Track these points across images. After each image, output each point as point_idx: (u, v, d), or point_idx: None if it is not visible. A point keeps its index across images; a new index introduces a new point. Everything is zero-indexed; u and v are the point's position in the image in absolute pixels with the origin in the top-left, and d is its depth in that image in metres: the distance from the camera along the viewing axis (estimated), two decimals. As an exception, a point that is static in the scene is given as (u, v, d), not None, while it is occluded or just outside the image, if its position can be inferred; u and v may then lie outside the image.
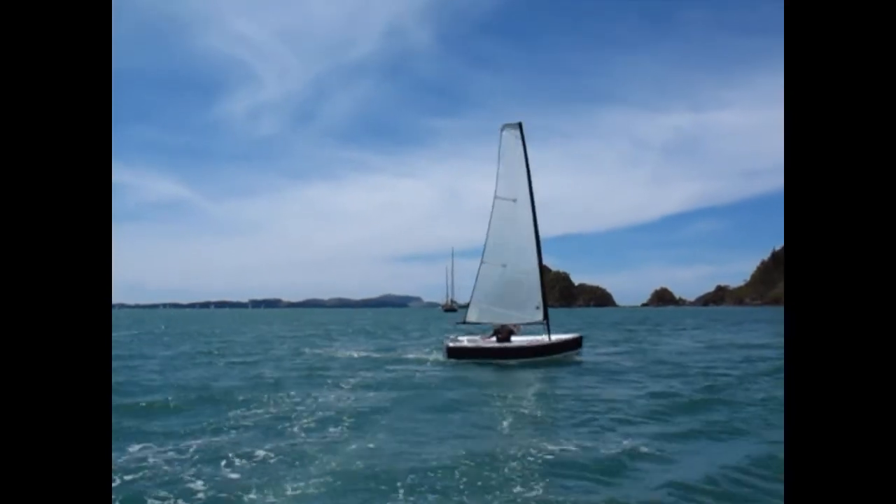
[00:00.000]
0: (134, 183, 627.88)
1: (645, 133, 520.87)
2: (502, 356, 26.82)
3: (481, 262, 28.88)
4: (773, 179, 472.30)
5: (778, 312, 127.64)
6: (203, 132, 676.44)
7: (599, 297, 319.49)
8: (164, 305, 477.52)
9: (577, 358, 27.71)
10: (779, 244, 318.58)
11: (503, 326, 27.98)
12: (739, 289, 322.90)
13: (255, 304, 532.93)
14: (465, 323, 29.32)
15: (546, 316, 28.02)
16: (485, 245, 28.78)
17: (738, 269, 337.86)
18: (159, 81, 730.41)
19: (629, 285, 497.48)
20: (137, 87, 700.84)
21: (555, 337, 28.25)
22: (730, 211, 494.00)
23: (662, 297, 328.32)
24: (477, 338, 28.50)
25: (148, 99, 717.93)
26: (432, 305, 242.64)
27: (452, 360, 26.94)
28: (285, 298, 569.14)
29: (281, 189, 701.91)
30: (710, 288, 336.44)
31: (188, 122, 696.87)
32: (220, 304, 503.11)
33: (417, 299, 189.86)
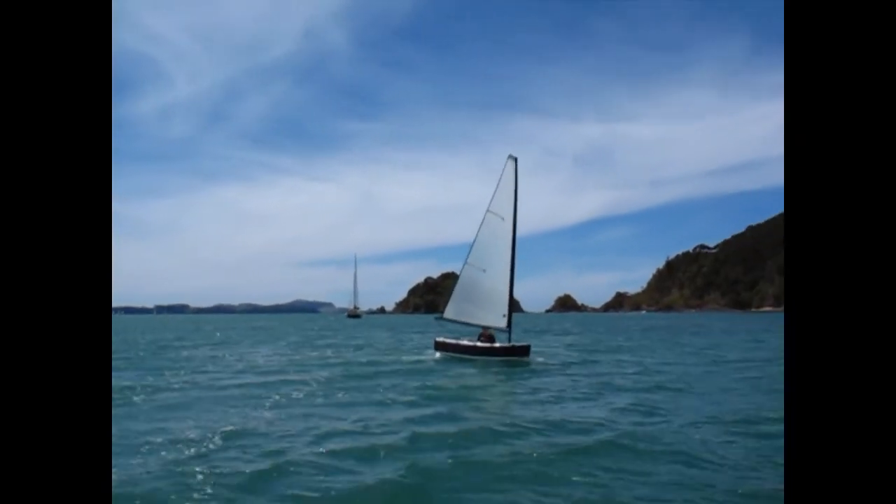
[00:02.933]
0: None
1: (558, 142, 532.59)
2: (476, 354, 30.27)
3: (465, 264, 31.52)
4: (678, 189, 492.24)
5: (657, 319, 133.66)
6: (112, 131, 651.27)
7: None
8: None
9: (528, 359, 30.44)
10: (672, 252, 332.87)
11: (486, 329, 31.08)
12: (636, 295, 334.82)
13: (161, 309, 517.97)
14: (442, 318, 32.47)
15: (509, 324, 31.18)
16: (470, 249, 31.70)
17: (642, 276, 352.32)
18: None
19: (538, 292, 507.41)
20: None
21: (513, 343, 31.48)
22: (637, 219, 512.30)
23: (565, 304, 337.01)
24: (465, 340, 31.40)
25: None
26: (343, 311, 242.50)
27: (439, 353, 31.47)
28: (193, 304, 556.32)
29: (191, 191, 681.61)
30: (614, 294, 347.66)
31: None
32: (127, 310, 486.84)
33: (329, 305, 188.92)
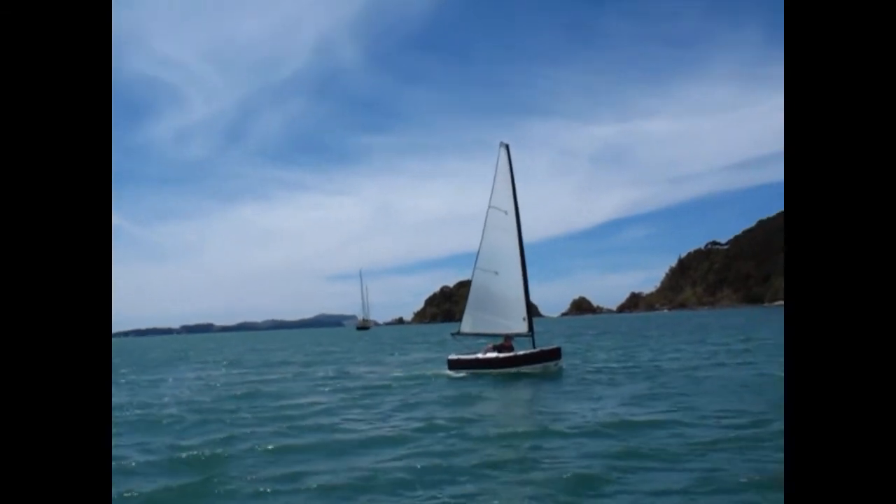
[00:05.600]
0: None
1: (574, 143, 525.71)
2: (500, 366, 26.62)
3: (475, 269, 28.26)
4: (698, 185, 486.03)
5: (670, 318, 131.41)
6: (130, 156, 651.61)
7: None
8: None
9: (560, 364, 27.48)
10: (683, 250, 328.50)
11: (507, 339, 27.66)
12: (650, 295, 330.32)
13: (188, 329, 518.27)
14: (459, 334, 28.36)
15: (531, 327, 27.57)
16: (478, 252, 28.27)
17: (660, 275, 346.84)
18: None
19: (555, 296, 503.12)
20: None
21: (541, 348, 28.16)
22: (655, 218, 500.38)
23: (581, 307, 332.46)
24: (480, 353, 27.75)
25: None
26: (374, 324, 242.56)
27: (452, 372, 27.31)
28: (218, 322, 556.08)
29: (211, 211, 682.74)
30: (628, 295, 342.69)
31: (114, 147, 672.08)
32: (153, 331, 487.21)
33: (353, 317, 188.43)
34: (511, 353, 26.91)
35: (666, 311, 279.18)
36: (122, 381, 33.41)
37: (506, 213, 28.40)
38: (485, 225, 28.48)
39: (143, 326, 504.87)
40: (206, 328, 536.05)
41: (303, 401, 21.11)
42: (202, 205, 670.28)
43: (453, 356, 28.40)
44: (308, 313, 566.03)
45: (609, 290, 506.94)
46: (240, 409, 19.31)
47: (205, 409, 19.92)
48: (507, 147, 29.01)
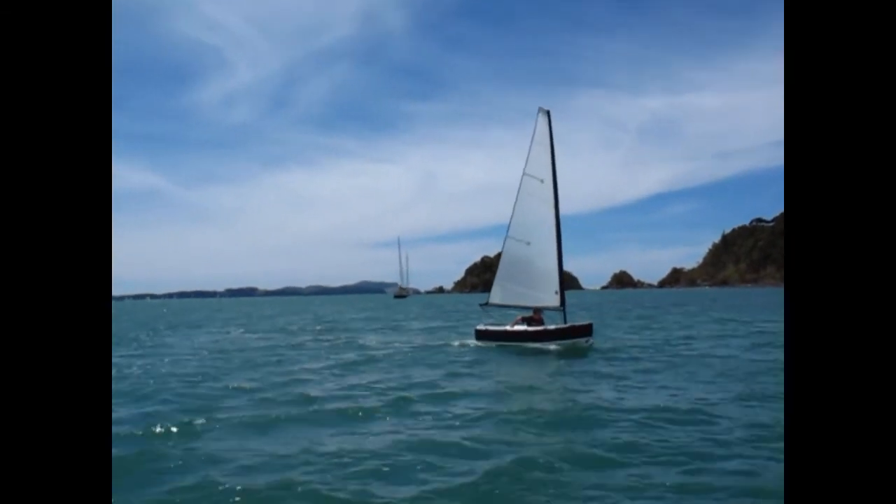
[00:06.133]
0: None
1: (620, 115, 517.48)
2: (527, 340, 25.53)
3: (506, 238, 27.13)
4: (745, 161, 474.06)
5: (714, 294, 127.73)
6: (175, 119, 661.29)
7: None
8: (131, 297, 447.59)
9: (592, 341, 26.16)
10: (728, 226, 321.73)
11: (536, 311, 26.40)
12: (692, 271, 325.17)
13: (231, 293, 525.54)
14: (487, 305, 27.42)
15: (563, 302, 26.42)
16: (510, 221, 27.08)
17: (704, 251, 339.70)
18: (129, 69, 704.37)
19: (597, 268, 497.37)
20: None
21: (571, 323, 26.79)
22: (702, 193, 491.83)
23: (622, 281, 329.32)
24: (508, 325, 26.73)
25: (118, 87, 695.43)
26: (414, 292, 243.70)
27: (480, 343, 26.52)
28: (261, 287, 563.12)
29: (256, 176, 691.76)
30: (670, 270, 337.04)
31: (160, 110, 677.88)
32: (198, 294, 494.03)
33: (394, 285, 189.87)
34: (541, 327, 25.80)
35: (707, 287, 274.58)
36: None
37: (542, 181, 26.89)
38: (518, 193, 27.10)
39: (188, 289, 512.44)
40: (249, 292, 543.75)
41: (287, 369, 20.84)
42: (247, 169, 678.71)
43: (481, 326, 27.45)
44: (351, 280, 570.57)
45: (651, 264, 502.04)
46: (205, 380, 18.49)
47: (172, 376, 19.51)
48: (547, 113, 27.41)
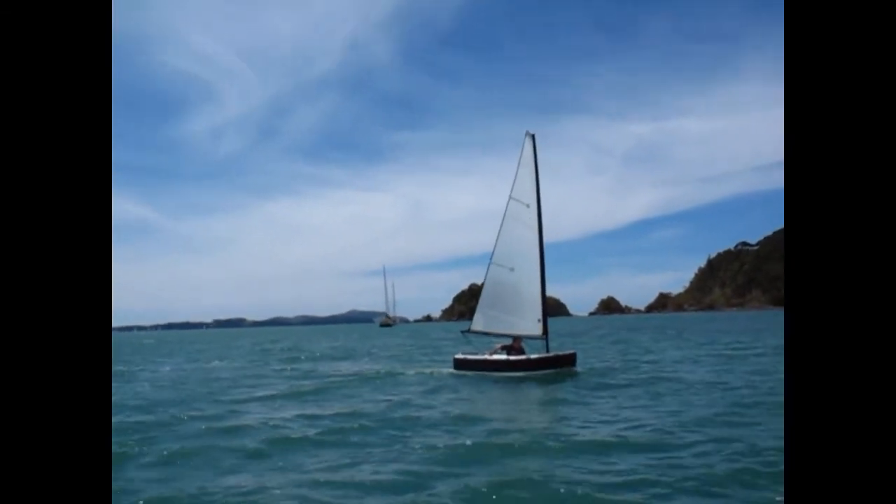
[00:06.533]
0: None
1: (607, 141, 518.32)
2: (508, 369, 24.48)
3: (490, 264, 26.25)
4: (731, 185, 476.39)
5: (699, 318, 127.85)
6: (165, 151, 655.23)
7: (550, 308, 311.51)
8: (118, 329, 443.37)
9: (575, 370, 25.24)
10: (714, 251, 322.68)
11: (516, 340, 25.42)
12: (679, 296, 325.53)
13: (219, 323, 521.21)
14: (469, 332, 26.48)
15: (545, 331, 25.62)
16: (495, 246, 26.19)
17: (688, 276, 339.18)
18: (119, 101, 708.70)
19: (585, 295, 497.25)
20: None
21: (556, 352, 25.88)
22: (687, 217, 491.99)
23: (609, 306, 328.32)
24: (487, 353, 25.59)
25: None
26: (402, 320, 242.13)
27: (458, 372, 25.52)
28: (249, 317, 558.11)
29: (244, 206, 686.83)
30: (657, 295, 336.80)
31: (149, 142, 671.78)
32: (184, 326, 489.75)
33: (384, 314, 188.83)
34: (523, 357, 24.89)
35: (694, 311, 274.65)
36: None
37: (527, 206, 26.18)
38: (504, 217, 26.30)
39: (176, 320, 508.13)
40: (238, 322, 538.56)
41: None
42: (235, 200, 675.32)
43: (459, 355, 26.43)
44: (340, 309, 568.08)
45: (638, 289, 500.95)
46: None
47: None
48: (532, 137, 26.79)
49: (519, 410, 17.16)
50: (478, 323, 26.55)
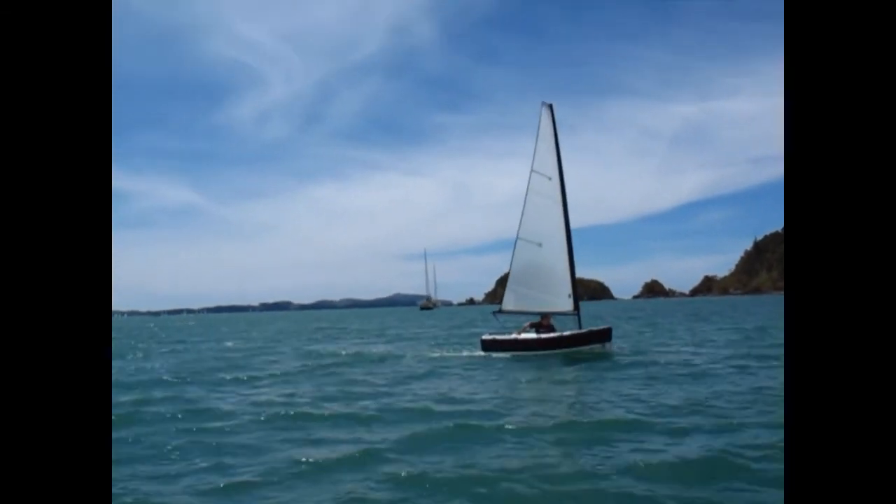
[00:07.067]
0: (143, 189, 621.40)
1: (653, 123, 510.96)
2: (539, 348, 23.52)
3: (517, 240, 25.28)
4: (779, 166, 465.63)
5: (744, 302, 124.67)
6: (211, 137, 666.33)
7: (594, 291, 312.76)
8: (167, 312, 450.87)
9: (610, 347, 24.31)
10: (760, 233, 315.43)
11: (544, 317, 24.29)
12: (724, 279, 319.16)
13: (266, 307, 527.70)
14: (500, 312, 25.53)
15: (577, 306, 24.51)
16: (521, 220, 25.04)
17: (734, 259, 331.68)
18: (166, 88, 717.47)
19: (630, 278, 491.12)
20: (145, 94, 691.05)
21: (589, 328, 24.91)
22: (736, 199, 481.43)
23: (653, 290, 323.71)
24: (515, 333, 24.56)
25: (155, 106, 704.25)
26: (446, 303, 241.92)
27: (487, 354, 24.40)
28: (295, 301, 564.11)
29: (290, 190, 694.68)
30: (702, 278, 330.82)
31: (196, 128, 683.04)
32: (232, 309, 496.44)
33: (427, 297, 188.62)
34: (555, 334, 23.91)
35: (739, 295, 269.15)
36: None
37: (549, 178, 25.21)
38: (527, 191, 25.40)
39: (224, 304, 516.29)
40: (284, 306, 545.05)
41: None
42: (281, 184, 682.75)
43: (487, 336, 25.52)
44: (384, 292, 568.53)
45: (684, 272, 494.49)
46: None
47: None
48: (550, 107, 25.79)
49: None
50: (508, 302, 25.67)
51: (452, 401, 13.80)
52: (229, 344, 39.46)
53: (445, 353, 26.09)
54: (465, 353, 25.33)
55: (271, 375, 20.29)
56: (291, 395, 15.70)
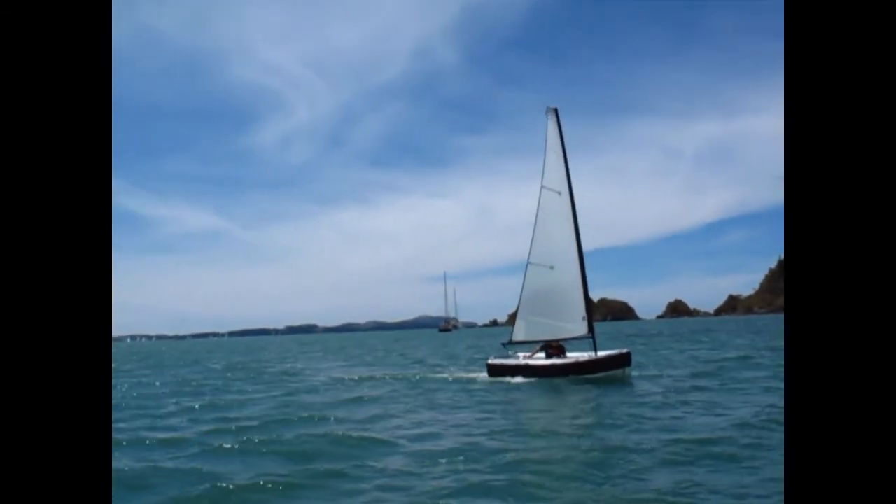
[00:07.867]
0: (168, 215, 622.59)
1: (676, 142, 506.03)
2: (550, 374, 21.89)
3: (527, 265, 23.44)
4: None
5: (765, 322, 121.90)
6: (236, 161, 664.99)
7: (618, 312, 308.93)
8: (191, 336, 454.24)
9: (628, 373, 22.28)
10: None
11: (551, 341, 22.38)
12: (749, 298, 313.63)
13: (292, 329, 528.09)
14: (511, 343, 23.64)
15: (591, 329, 22.64)
16: (531, 243, 23.22)
17: (759, 279, 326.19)
18: (191, 113, 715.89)
19: (654, 298, 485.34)
20: (170, 120, 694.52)
21: (602, 353, 22.90)
22: (762, 217, 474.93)
23: (677, 309, 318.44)
24: (523, 357, 22.70)
25: (181, 131, 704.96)
26: (469, 325, 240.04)
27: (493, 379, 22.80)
28: (321, 324, 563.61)
29: (314, 214, 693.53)
30: (726, 298, 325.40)
31: (221, 153, 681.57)
32: (256, 332, 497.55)
33: (446, 320, 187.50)
34: (569, 360, 22.06)
35: (763, 314, 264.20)
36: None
37: (559, 193, 23.50)
38: (538, 210, 23.72)
39: (250, 327, 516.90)
40: (309, 329, 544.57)
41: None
42: (305, 208, 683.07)
43: (493, 360, 23.93)
44: (408, 314, 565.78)
45: (708, 292, 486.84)
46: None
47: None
48: (555, 112, 24.00)
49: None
50: (519, 332, 23.99)
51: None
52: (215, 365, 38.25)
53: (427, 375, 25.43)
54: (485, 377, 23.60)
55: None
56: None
